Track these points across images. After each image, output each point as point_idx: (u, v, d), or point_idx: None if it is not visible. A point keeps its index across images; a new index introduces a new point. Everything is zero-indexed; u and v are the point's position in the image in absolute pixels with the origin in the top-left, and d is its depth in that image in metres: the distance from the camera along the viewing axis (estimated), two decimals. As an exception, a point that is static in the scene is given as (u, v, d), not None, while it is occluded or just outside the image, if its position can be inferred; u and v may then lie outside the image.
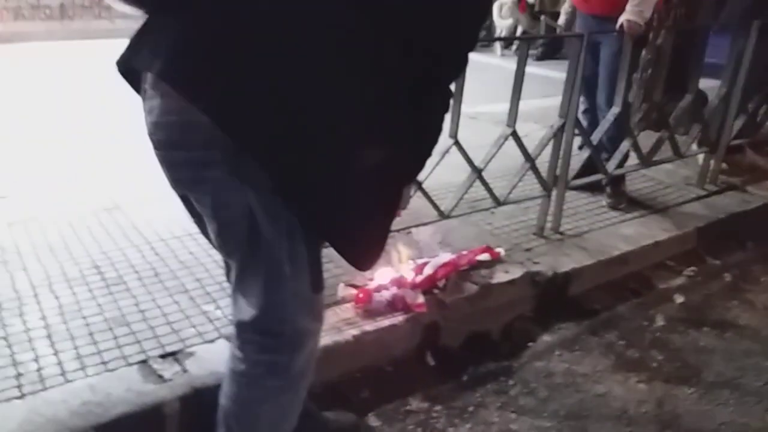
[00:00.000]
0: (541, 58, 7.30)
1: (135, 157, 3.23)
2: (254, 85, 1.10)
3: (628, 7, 2.89)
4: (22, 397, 1.69)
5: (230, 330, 1.60)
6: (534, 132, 3.88)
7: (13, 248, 2.43)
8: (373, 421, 1.90)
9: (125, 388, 1.74)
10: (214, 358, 1.86)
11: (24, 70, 5.59)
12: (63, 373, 1.78)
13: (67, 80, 5.16)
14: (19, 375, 1.76)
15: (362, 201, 1.26)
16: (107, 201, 2.86)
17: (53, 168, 3.29)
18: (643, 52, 3.47)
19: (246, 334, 1.36)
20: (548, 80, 5.41)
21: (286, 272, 1.28)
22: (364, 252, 1.35)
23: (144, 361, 1.84)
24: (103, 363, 1.83)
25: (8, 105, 4.48)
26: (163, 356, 1.87)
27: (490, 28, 8.15)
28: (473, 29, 1.27)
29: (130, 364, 1.83)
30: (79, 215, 2.73)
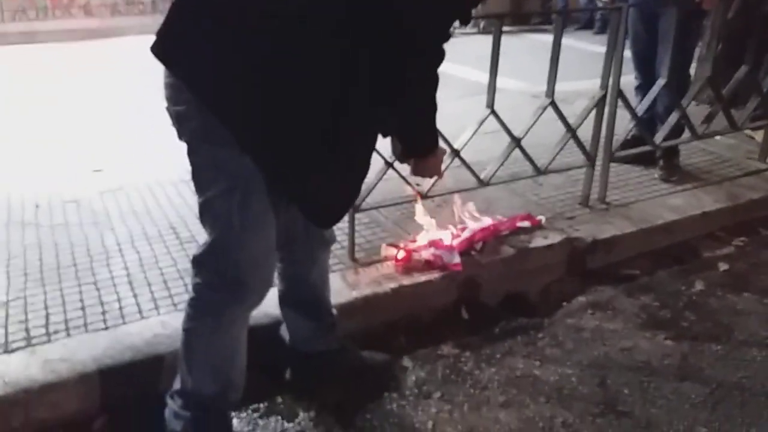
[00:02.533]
0: (599, 31, 7.16)
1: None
2: (226, 58, 1.34)
3: None
4: (106, 328, 2.00)
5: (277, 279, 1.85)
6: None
7: (104, 212, 2.79)
8: (406, 362, 2.10)
9: (190, 325, 2.01)
10: (267, 301, 2.09)
11: (120, 61, 6.10)
12: (140, 312, 2.09)
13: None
14: (104, 312, 2.09)
15: (328, 165, 1.45)
16: (184, 173, 3.18)
17: (140, 143, 3.67)
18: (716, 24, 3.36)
19: (195, 266, 1.57)
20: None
21: (235, 224, 1.46)
22: (326, 211, 1.54)
23: (207, 304, 2.12)
24: (174, 305, 2.13)
25: (104, 92, 4.96)
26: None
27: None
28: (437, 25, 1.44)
29: (196, 306, 2.11)
30: (160, 185, 3.08)
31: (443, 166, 1.99)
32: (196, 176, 1.52)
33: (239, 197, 1.45)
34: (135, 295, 2.17)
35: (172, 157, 3.39)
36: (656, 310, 2.41)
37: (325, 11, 1.33)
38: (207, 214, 1.52)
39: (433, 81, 1.59)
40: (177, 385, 1.65)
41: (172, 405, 1.64)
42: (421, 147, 1.79)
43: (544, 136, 2.84)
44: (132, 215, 2.76)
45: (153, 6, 6.73)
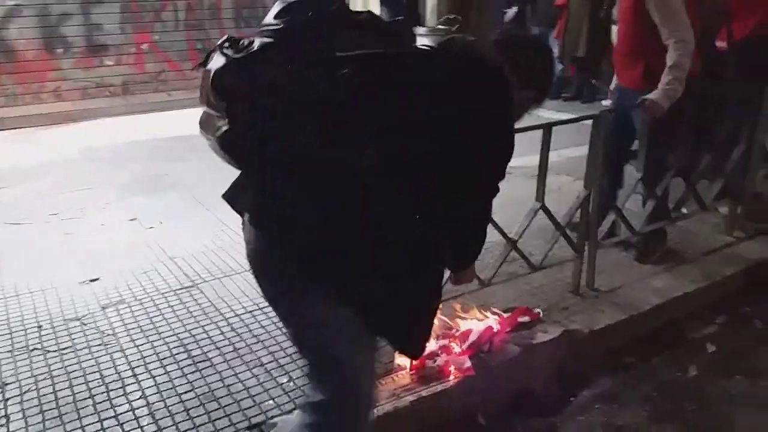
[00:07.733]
0: (586, 101, 7.56)
1: (206, 236, 3.62)
2: (316, 233, 1.46)
3: (659, 85, 2.93)
4: (136, 469, 2.01)
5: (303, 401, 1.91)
6: (566, 185, 4.13)
7: (110, 330, 2.79)
8: (433, 479, 2.16)
9: (221, 459, 2.04)
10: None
11: (92, 148, 6.05)
12: (168, 447, 2.10)
13: (129, 157, 5.61)
14: (131, 451, 2.09)
15: (416, 302, 1.61)
16: (184, 279, 3.22)
17: (132, 249, 3.66)
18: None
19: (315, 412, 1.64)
20: (579, 127, 5.63)
21: (358, 369, 1.59)
22: (418, 342, 1.69)
23: (234, 434, 2.15)
24: (200, 436, 2.15)
25: (77, 189, 4.91)
26: (250, 428, 2.17)
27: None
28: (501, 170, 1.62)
29: (223, 437, 2.14)
30: (160, 293, 3.09)
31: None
32: (299, 339, 1.65)
33: (354, 345, 1.57)
34: (159, 429, 2.18)
35: (170, 261, 3.43)
36: (658, 401, 2.54)
37: (403, 161, 1.46)
38: (329, 371, 1.59)
39: (488, 216, 1.76)
40: None
41: None
42: (467, 267, 1.93)
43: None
44: (139, 332, 2.77)
45: (123, 88, 6.73)
